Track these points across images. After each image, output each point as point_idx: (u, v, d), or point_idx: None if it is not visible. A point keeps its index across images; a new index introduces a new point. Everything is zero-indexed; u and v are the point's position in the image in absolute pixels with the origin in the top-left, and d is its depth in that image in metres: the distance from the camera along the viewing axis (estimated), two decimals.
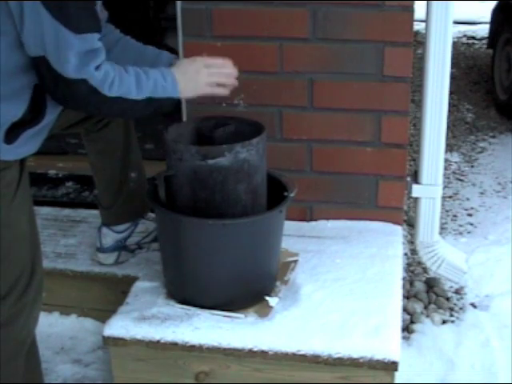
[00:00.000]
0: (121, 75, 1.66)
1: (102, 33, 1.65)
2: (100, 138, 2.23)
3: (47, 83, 1.62)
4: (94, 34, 1.60)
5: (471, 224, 3.20)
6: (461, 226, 3.19)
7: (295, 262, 2.22)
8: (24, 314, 1.77)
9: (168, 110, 1.84)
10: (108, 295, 2.36)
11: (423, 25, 2.23)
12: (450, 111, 2.42)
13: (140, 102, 1.69)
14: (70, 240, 2.58)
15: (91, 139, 2.25)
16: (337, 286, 2.10)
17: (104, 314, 2.12)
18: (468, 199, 3.50)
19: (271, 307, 1.99)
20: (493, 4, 5.25)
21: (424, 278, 2.69)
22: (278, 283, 2.10)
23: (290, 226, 2.20)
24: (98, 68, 1.61)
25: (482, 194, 3.57)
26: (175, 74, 1.77)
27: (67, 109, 1.79)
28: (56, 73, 1.57)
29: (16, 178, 1.70)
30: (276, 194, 2.00)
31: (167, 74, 1.76)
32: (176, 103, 1.84)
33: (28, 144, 1.70)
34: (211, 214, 1.88)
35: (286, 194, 1.99)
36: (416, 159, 2.80)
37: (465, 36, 7.05)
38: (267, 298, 2.02)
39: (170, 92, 1.75)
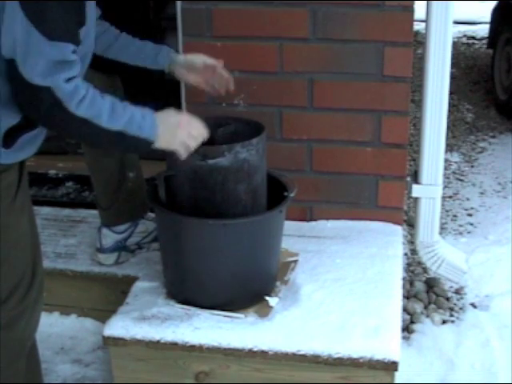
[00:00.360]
0: (94, 97, 1.55)
1: (78, 47, 1.55)
2: None
3: (14, 88, 1.53)
4: (69, 44, 1.51)
5: (471, 224, 3.20)
6: (461, 226, 3.19)
7: (295, 261, 2.22)
8: (25, 316, 1.76)
9: (143, 153, 1.72)
10: (108, 295, 2.36)
11: (423, 25, 2.23)
12: (450, 111, 2.42)
13: (112, 132, 1.57)
14: (70, 240, 2.58)
15: None
16: (337, 286, 2.10)
17: (104, 313, 2.12)
18: (468, 199, 3.50)
19: (271, 307, 1.99)
20: (493, 4, 5.25)
21: (424, 278, 2.69)
22: (278, 283, 2.10)
23: (290, 226, 2.20)
24: (68, 81, 1.51)
25: (481, 194, 3.57)
26: (156, 118, 1.65)
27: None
28: (21, 77, 1.48)
29: (15, 180, 1.69)
30: (276, 193, 2.00)
31: (147, 115, 1.64)
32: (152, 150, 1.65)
33: (26, 147, 1.69)
34: (211, 214, 1.88)
35: (286, 193, 1.99)
36: (416, 159, 2.80)
37: (465, 36, 7.05)
38: (267, 297, 2.02)
39: (145, 133, 1.61)
